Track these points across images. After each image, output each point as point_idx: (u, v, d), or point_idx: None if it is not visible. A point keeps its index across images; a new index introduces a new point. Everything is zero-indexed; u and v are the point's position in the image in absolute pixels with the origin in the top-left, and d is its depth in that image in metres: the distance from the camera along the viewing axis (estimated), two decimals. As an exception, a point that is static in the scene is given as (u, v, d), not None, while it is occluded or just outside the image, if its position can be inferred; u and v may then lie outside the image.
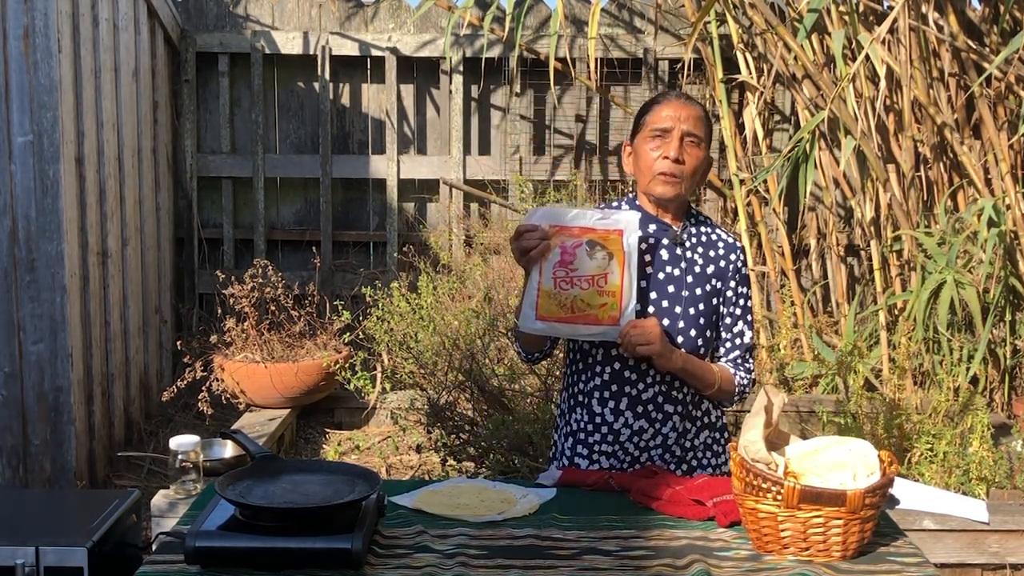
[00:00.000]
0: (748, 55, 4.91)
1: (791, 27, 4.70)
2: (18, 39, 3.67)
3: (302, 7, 5.30)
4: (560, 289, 2.00)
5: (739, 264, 2.21)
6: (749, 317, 2.23)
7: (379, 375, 4.71)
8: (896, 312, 4.69)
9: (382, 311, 4.41)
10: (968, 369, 4.32)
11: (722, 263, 2.19)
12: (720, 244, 2.21)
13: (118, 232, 4.38)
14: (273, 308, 4.59)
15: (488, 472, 3.67)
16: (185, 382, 4.23)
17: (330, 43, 5.21)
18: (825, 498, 1.64)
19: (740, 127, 5.15)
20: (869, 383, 4.38)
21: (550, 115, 5.38)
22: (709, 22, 4.84)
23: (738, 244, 2.24)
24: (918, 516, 3.05)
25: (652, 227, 2.16)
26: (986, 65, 4.57)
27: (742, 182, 4.88)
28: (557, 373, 3.85)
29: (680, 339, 2.12)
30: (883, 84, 4.30)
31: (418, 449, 4.41)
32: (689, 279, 2.15)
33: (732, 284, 2.19)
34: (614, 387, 2.14)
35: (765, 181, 4.95)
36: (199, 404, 4.26)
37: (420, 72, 5.39)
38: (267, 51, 5.19)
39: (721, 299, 2.19)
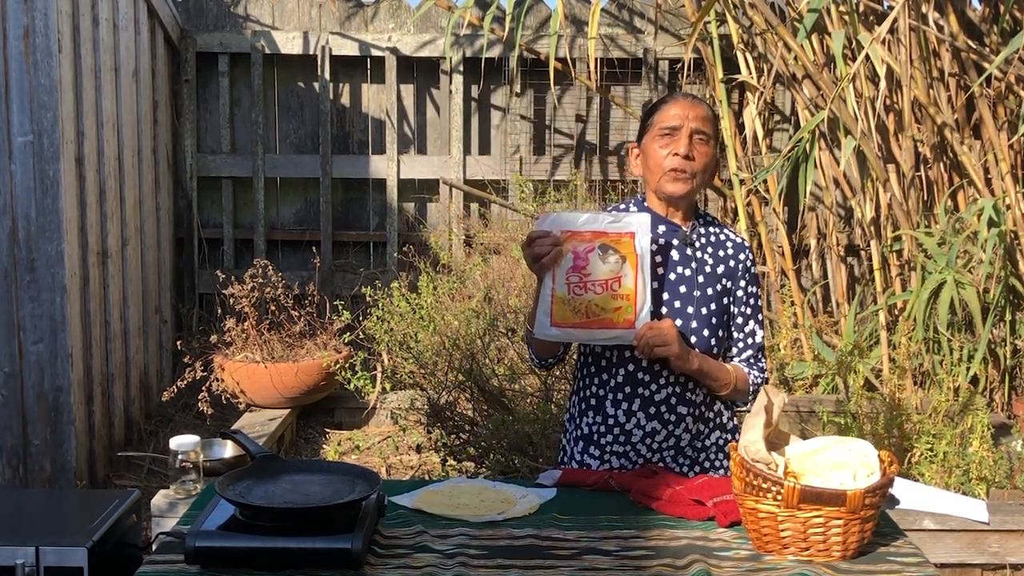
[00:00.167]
0: (748, 55, 4.91)
1: (791, 27, 4.70)
2: (18, 39, 3.67)
3: (302, 7, 5.30)
4: (574, 295, 1.99)
5: (748, 263, 2.21)
6: (760, 316, 2.23)
7: (379, 375, 4.71)
8: (896, 312, 4.69)
9: (382, 311, 4.41)
10: (968, 369, 4.32)
11: (732, 263, 2.19)
12: (729, 244, 2.21)
13: (118, 232, 4.38)
14: (273, 308, 4.59)
15: (488, 472, 3.67)
16: (185, 382, 4.23)
17: (330, 43, 5.21)
18: (825, 498, 1.64)
19: (740, 127, 5.15)
20: (869, 383, 4.38)
21: (550, 115, 5.38)
22: (709, 22, 4.84)
23: (746, 244, 2.24)
24: (918, 516, 3.04)
25: (661, 228, 2.16)
26: (986, 65, 4.57)
27: (742, 182, 4.88)
28: (557, 373, 3.84)
29: (694, 339, 2.12)
30: (883, 84, 4.30)
31: (418, 449, 4.41)
32: (700, 279, 2.16)
33: (742, 284, 2.20)
34: (628, 389, 2.13)
35: (765, 181, 4.95)
36: (199, 404, 4.26)
37: (420, 72, 5.39)
38: (267, 51, 5.19)
39: (732, 299, 2.19)
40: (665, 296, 2.12)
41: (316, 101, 5.33)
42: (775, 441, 1.81)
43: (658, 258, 2.12)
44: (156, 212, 4.90)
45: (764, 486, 1.67)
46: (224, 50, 5.19)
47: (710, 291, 2.16)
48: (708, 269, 2.17)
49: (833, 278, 5.11)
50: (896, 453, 3.58)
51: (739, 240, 2.23)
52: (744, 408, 2.20)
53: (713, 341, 2.15)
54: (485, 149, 5.42)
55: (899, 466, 1.84)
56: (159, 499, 2.87)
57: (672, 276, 2.14)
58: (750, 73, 4.90)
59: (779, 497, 1.65)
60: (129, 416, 4.50)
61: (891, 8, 4.55)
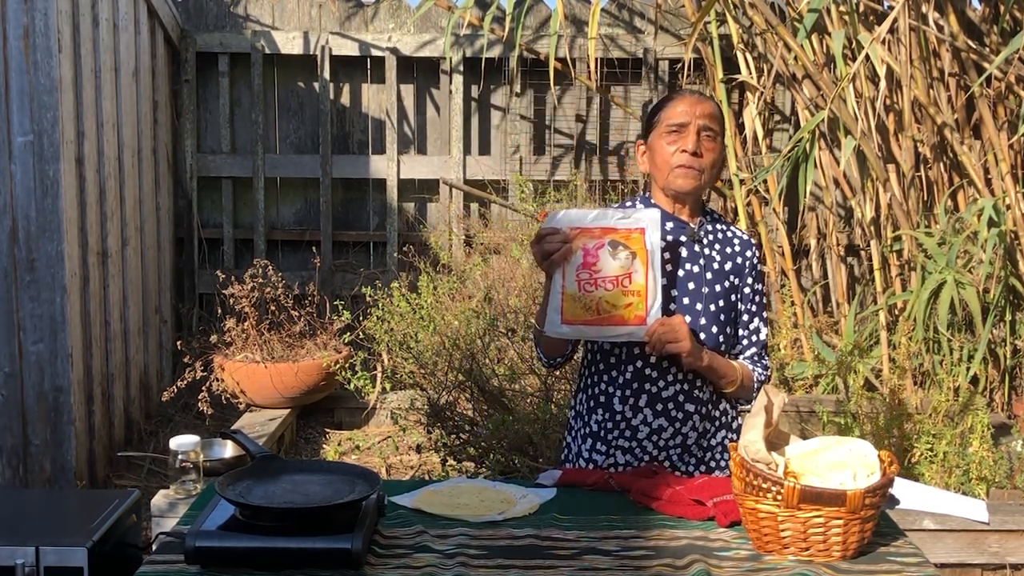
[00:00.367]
0: (748, 55, 4.91)
1: (791, 27, 4.70)
2: (18, 39, 3.67)
3: (302, 7, 5.30)
4: (584, 292, 1.99)
5: (754, 261, 2.22)
6: (764, 314, 2.24)
7: (379, 375, 4.71)
8: (896, 312, 4.69)
9: (382, 311, 4.41)
10: (968, 369, 4.32)
11: (739, 260, 2.20)
12: (736, 241, 2.22)
13: (118, 232, 4.38)
14: (273, 308, 4.59)
15: (488, 472, 3.67)
16: (185, 382, 4.23)
17: (330, 43, 5.21)
18: (825, 498, 1.64)
19: (740, 127, 5.15)
20: (869, 383, 4.38)
21: (550, 115, 5.38)
22: (709, 22, 4.84)
23: (752, 241, 2.25)
24: (918, 516, 3.05)
25: (669, 224, 2.15)
26: (986, 65, 4.57)
27: (742, 182, 4.88)
28: (558, 373, 3.84)
29: (702, 336, 2.12)
30: (883, 84, 4.30)
31: (418, 449, 4.41)
32: (708, 276, 2.16)
33: (748, 281, 2.21)
34: (635, 385, 2.13)
35: (765, 181, 4.95)
36: (199, 404, 4.26)
37: (420, 72, 5.39)
38: (267, 51, 5.19)
39: (738, 296, 2.20)
40: (674, 293, 2.12)
41: (316, 101, 5.33)
42: (775, 441, 1.81)
43: (666, 255, 2.12)
44: (156, 212, 4.91)
45: (764, 486, 1.67)
46: (224, 50, 5.19)
47: (718, 288, 2.16)
48: (716, 266, 2.17)
49: (833, 278, 5.11)
50: (896, 453, 3.58)
51: (745, 237, 2.24)
52: (747, 407, 2.20)
53: (721, 338, 2.15)
54: (485, 149, 5.42)
55: (899, 466, 1.84)
56: (159, 499, 2.88)
57: (681, 273, 2.14)
58: (750, 73, 4.90)
59: (779, 497, 1.65)
60: (129, 416, 4.50)
61: (891, 8, 4.55)
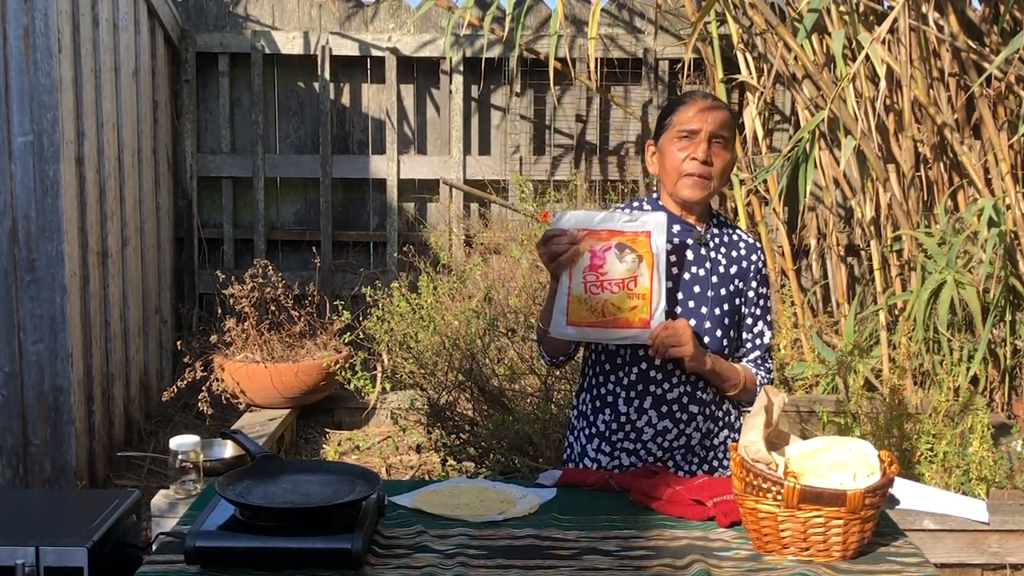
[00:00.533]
0: (748, 55, 4.91)
1: (791, 27, 4.70)
2: (18, 39, 3.67)
3: (302, 7, 5.30)
4: (591, 294, 1.99)
5: (760, 264, 2.22)
6: (769, 317, 2.24)
7: (379, 375, 4.71)
8: (896, 312, 4.69)
9: (382, 311, 4.41)
10: (968, 369, 4.32)
11: (744, 263, 2.20)
12: (741, 244, 2.22)
13: (118, 232, 4.38)
14: (273, 308, 4.59)
15: (488, 472, 3.67)
16: (185, 382, 4.23)
17: (330, 43, 5.21)
18: (825, 498, 1.64)
19: (740, 127, 5.14)
20: (869, 383, 4.38)
21: (550, 115, 5.38)
22: (709, 22, 4.84)
23: (758, 245, 2.25)
24: (918, 516, 3.04)
25: (676, 227, 2.15)
26: (986, 65, 4.57)
27: (742, 182, 4.88)
28: (558, 373, 3.84)
29: (707, 339, 2.13)
30: (883, 84, 4.30)
31: (418, 449, 4.41)
32: (714, 279, 2.16)
33: (753, 284, 2.21)
34: (640, 387, 2.14)
35: (765, 181, 4.95)
36: (199, 404, 4.26)
37: (420, 72, 5.39)
38: (267, 51, 5.19)
39: (743, 299, 2.20)
40: (679, 296, 2.12)
41: (316, 101, 5.33)
42: (775, 441, 1.81)
43: (672, 258, 2.12)
44: (156, 212, 4.91)
45: (764, 486, 1.67)
46: (224, 50, 5.19)
47: (723, 291, 2.16)
48: (722, 269, 2.17)
49: (833, 278, 5.11)
50: (896, 453, 3.58)
51: (751, 241, 2.24)
52: (749, 408, 2.20)
53: (725, 342, 2.16)
54: (485, 149, 5.42)
55: (899, 466, 1.84)
56: (159, 499, 2.88)
57: (686, 276, 2.14)
58: (750, 73, 4.90)
59: (779, 497, 1.65)
60: (129, 416, 4.50)
61: (891, 8, 4.55)
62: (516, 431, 3.61)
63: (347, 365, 4.48)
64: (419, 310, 4.32)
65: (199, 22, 5.22)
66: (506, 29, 5.03)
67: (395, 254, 5.25)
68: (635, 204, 2.22)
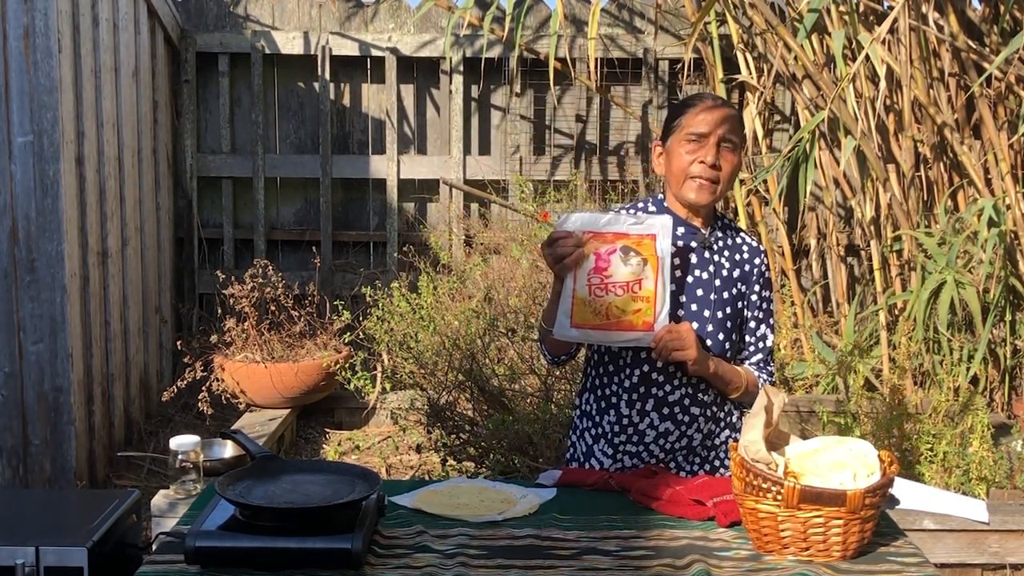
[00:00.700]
0: (748, 55, 4.91)
1: (791, 27, 4.70)
2: (18, 39, 3.67)
3: (302, 7, 5.30)
4: (595, 296, 1.98)
5: (763, 268, 2.22)
6: (771, 320, 2.24)
7: (379, 375, 4.71)
8: (896, 312, 4.69)
9: (382, 311, 4.41)
10: (968, 369, 4.32)
11: (747, 267, 2.20)
12: (745, 248, 2.21)
13: (118, 232, 4.38)
14: (273, 308, 4.59)
15: (488, 472, 3.67)
16: (185, 382, 4.23)
17: (330, 43, 5.21)
18: (825, 498, 1.64)
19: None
20: (869, 383, 4.38)
21: (550, 115, 5.38)
22: (709, 22, 4.83)
23: (761, 248, 2.24)
24: (918, 516, 3.04)
25: (681, 230, 2.15)
26: (986, 65, 4.57)
27: (742, 182, 4.88)
28: (558, 373, 3.84)
29: (709, 342, 2.13)
30: (883, 84, 4.30)
31: (418, 449, 4.41)
32: (717, 283, 2.16)
33: (756, 288, 2.20)
34: (642, 389, 2.14)
35: (765, 181, 4.95)
36: (199, 404, 4.26)
37: (420, 72, 5.39)
38: (267, 51, 5.19)
39: (745, 303, 2.20)
40: (682, 299, 2.12)
41: (316, 101, 5.33)
42: (775, 441, 1.81)
43: (676, 260, 2.12)
44: (156, 212, 4.91)
45: (764, 486, 1.67)
46: (224, 50, 5.19)
47: (726, 295, 2.16)
48: (724, 273, 2.17)
49: (833, 278, 5.11)
50: (896, 453, 3.58)
51: (755, 244, 2.24)
52: (750, 409, 2.20)
53: (727, 345, 2.16)
54: (485, 149, 5.42)
55: (899, 466, 1.84)
56: (159, 499, 2.88)
57: (690, 279, 2.14)
58: (750, 73, 4.90)
59: (779, 497, 1.65)
60: (129, 416, 4.50)
61: (891, 8, 4.55)
62: (516, 431, 3.61)
63: (347, 365, 4.48)
64: (419, 310, 4.32)
65: (199, 22, 5.22)
66: (506, 29, 5.03)
67: (395, 254, 5.25)
68: (640, 205, 2.21)
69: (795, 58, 4.63)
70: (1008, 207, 4.45)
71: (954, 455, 3.59)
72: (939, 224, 4.58)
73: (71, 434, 3.85)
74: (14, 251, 3.75)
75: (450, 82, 5.30)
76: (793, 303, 4.98)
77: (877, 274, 4.73)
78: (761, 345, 2.23)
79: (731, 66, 5.01)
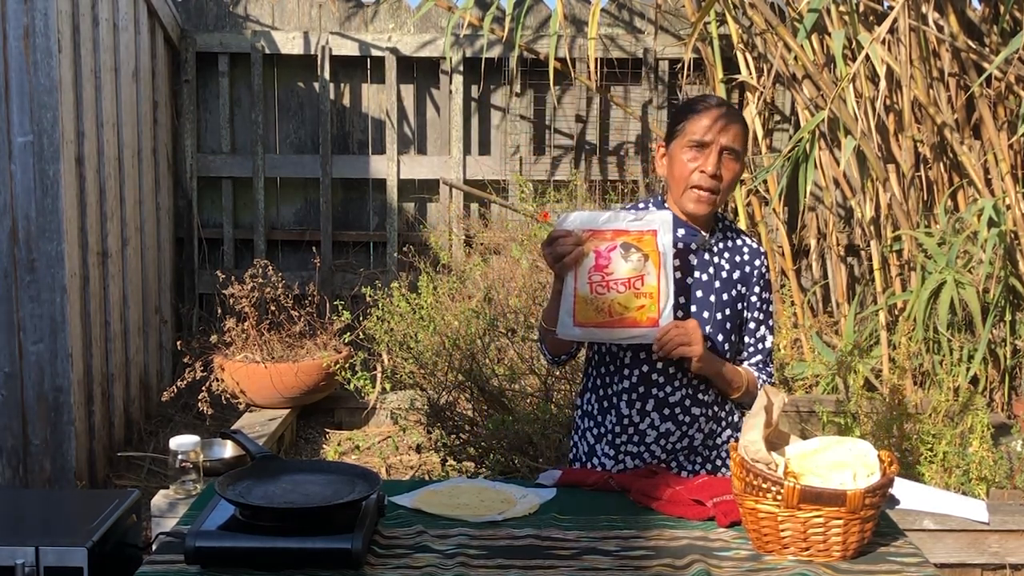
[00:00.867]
0: (748, 55, 4.91)
1: (791, 27, 4.70)
2: (18, 39, 3.67)
3: (302, 7, 5.30)
4: (596, 294, 1.98)
5: (763, 270, 2.22)
6: (771, 322, 2.24)
7: (379, 375, 4.71)
8: (896, 312, 4.69)
9: (382, 311, 4.41)
10: (968, 369, 4.32)
11: (747, 268, 2.20)
12: (745, 249, 2.21)
13: (118, 232, 4.38)
14: (273, 308, 4.59)
15: (488, 472, 3.67)
16: (185, 382, 4.23)
17: (330, 43, 5.21)
18: (825, 498, 1.64)
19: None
20: (869, 383, 4.38)
21: (550, 115, 5.38)
22: (709, 22, 4.83)
23: (762, 250, 2.24)
24: (918, 516, 3.05)
25: (681, 231, 2.14)
26: (986, 65, 4.57)
27: (742, 182, 4.88)
28: (557, 373, 3.84)
29: (708, 344, 2.12)
30: (883, 84, 4.30)
31: (418, 449, 4.41)
32: (717, 284, 2.16)
33: (756, 290, 2.20)
34: (642, 389, 2.14)
35: (765, 181, 4.95)
36: (199, 404, 4.26)
37: (420, 72, 5.39)
38: (267, 51, 5.19)
39: (745, 304, 2.20)
40: (681, 300, 2.12)
41: (316, 101, 5.33)
42: (775, 441, 1.81)
43: (676, 262, 2.11)
44: (156, 212, 4.91)
45: (764, 486, 1.67)
46: (224, 50, 5.19)
47: (725, 296, 2.16)
48: (724, 275, 2.17)
49: (833, 278, 5.12)
50: (896, 453, 3.58)
51: (755, 246, 2.24)
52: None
53: (727, 346, 2.16)
54: (485, 149, 5.42)
55: (899, 466, 1.84)
56: (159, 499, 2.88)
57: (689, 280, 2.14)
58: (750, 73, 4.90)
59: (779, 497, 1.65)
60: (129, 416, 4.50)
61: (891, 8, 4.55)
62: (516, 431, 3.61)
63: (347, 365, 4.49)
64: (419, 310, 4.32)
65: (199, 22, 5.22)
66: (506, 29, 5.03)
67: (395, 254, 5.25)
68: (641, 205, 2.22)
69: (795, 58, 4.63)
70: (1008, 207, 4.45)
71: (954, 455, 3.59)
72: (939, 224, 4.58)
73: (71, 434, 3.85)
74: (14, 251, 3.75)
75: (450, 82, 5.30)
76: (793, 303, 4.98)
77: (877, 274, 4.73)
78: (761, 346, 2.23)
79: (731, 66, 5.01)
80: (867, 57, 4.26)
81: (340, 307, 4.66)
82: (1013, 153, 4.75)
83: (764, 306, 2.22)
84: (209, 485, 1.97)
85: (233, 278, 4.53)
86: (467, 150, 5.35)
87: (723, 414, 2.21)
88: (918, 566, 1.66)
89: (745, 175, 4.91)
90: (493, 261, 4.52)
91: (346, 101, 5.38)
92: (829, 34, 4.63)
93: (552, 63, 4.93)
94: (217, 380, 4.37)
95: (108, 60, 4.22)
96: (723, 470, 2.21)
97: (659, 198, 2.23)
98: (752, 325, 2.21)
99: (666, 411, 2.14)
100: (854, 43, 4.59)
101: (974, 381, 4.43)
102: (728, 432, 2.23)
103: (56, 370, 3.81)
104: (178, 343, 4.49)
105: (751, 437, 1.71)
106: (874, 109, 4.54)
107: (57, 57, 3.71)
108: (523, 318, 3.96)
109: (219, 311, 4.87)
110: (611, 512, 1.88)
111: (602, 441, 2.21)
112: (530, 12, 5.21)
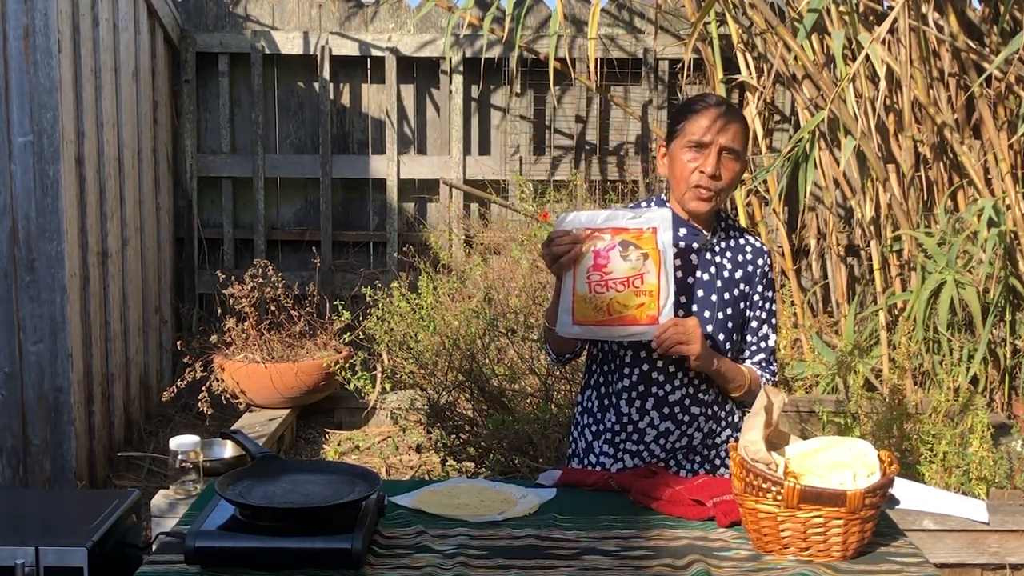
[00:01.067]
0: (748, 55, 4.91)
1: (791, 27, 4.70)
2: (18, 39, 3.67)
3: (302, 7, 5.30)
4: (595, 293, 1.98)
5: (766, 268, 2.22)
6: (774, 320, 2.24)
7: (379, 375, 4.71)
8: (896, 312, 4.69)
9: (382, 311, 4.41)
10: (968, 369, 4.32)
11: (750, 267, 2.20)
12: (748, 248, 2.21)
13: (118, 232, 4.38)
14: (273, 308, 4.59)
15: (488, 472, 3.67)
16: (185, 382, 4.23)
17: (330, 43, 5.21)
18: (825, 498, 1.64)
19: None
20: (869, 383, 4.38)
21: (550, 115, 5.38)
22: (709, 22, 4.83)
23: (765, 249, 2.24)
24: (918, 516, 3.05)
25: (683, 231, 2.15)
26: (986, 65, 4.57)
27: (742, 182, 4.88)
28: (557, 373, 3.84)
29: (709, 343, 2.12)
30: (883, 84, 4.30)
31: (418, 449, 4.41)
32: (719, 284, 2.16)
33: (759, 289, 2.20)
34: (641, 387, 2.14)
35: (765, 181, 4.95)
36: (199, 404, 4.26)
37: (420, 72, 5.39)
38: (267, 51, 5.19)
39: (748, 303, 2.20)
40: (683, 299, 2.12)
41: (316, 101, 5.33)
42: (775, 441, 1.81)
43: (678, 261, 2.11)
44: (156, 212, 4.91)
45: (764, 486, 1.67)
46: (224, 50, 5.19)
47: (727, 296, 2.16)
48: (727, 274, 2.17)
49: (833, 278, 5.11)
50: (896, 453, 3.58)
51: (758, 245, 2.24)
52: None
53: (728, 345, 2.16)
54: (485, 149, 5.42)
55: (899, 466, 1.84)
56: (159, 499, 2.88)
57: (691, 280, 2.14)
58: (750, 73, 4.90)
59: (779, 497, 1.65)
60: (129, 416, 4.50)
61: (891, 8, 4.55)
62: (516, 431, 3.61)
63: (347, 365, 4.49)
64: (419, 310, 4.32)
65: (199, 22, 5.22)
66: (506, 29, 5.03)
67: (395, 254, 5.25)
68: (642, 204, 2.22)
69: (795, 58, 4.63)
70: (1008, 207, 4.45)
71: (954, 455, 3.59)
72: (939, 224, 4.58)
73: (71, 434, 3.85)
74: (14, 251, 3.75)
75: (450, 82, 5.30)
76: (793, 303, 4.98)
77: (877, 274, 4.73)
78: (763, 345, 2.23)
79: (731, 66, 5.01)
80: (867, 57, 4.26)
81: (340, 307, 4.66)
82: (1013, 153, 4.75)
83: (767, 305, 2.22)
84: (209, 485, 1.97)
85: (233, 278, 4.53)
86: (467, 150, 5.35)
87: (723, 414, 2.21)
88: (918, 566, 1.66)
89: (745, 175, 4.91)
90: (493, 261, 4.52)
91: (346, 101, 5.38)
92: (829, 34, 4.63)
93: (552, 63, 4.93)
94: (217, 380, 4.37)
95: (108, 60, 4.22)
96: (722, 470, 2.20)
97: (660, 198, 2.23)
98: (755, 324, 2.22)
99: (666, 410, 2.14)
100: (854, 43, 4.59)
101: (974, 381, 4.43)
102: (727, 432, 2.23)
103: (56, 370, 3.81)
104: (178, 343, 4.49)
105: (751, 437, 1.71)
106: (874, 109, 4.54)
107: (57, 57, 3.71)
108: (523, 318, 3.96)
109: (219, 311, 4.87)
110: (611, 512, 1.88)
111: (601, 439, 2.21)
112: (530, 12, 5.21)
